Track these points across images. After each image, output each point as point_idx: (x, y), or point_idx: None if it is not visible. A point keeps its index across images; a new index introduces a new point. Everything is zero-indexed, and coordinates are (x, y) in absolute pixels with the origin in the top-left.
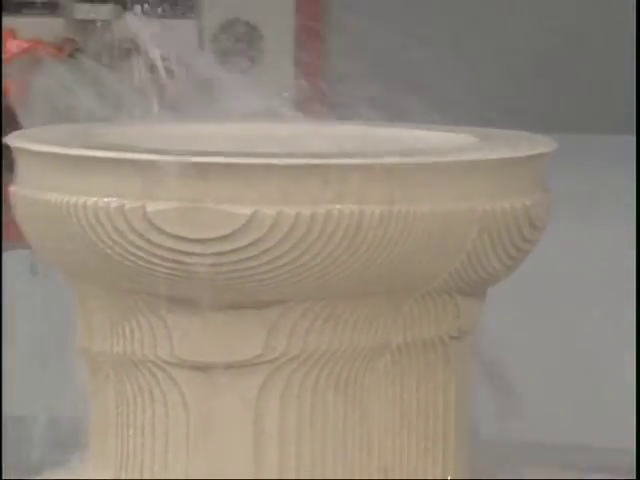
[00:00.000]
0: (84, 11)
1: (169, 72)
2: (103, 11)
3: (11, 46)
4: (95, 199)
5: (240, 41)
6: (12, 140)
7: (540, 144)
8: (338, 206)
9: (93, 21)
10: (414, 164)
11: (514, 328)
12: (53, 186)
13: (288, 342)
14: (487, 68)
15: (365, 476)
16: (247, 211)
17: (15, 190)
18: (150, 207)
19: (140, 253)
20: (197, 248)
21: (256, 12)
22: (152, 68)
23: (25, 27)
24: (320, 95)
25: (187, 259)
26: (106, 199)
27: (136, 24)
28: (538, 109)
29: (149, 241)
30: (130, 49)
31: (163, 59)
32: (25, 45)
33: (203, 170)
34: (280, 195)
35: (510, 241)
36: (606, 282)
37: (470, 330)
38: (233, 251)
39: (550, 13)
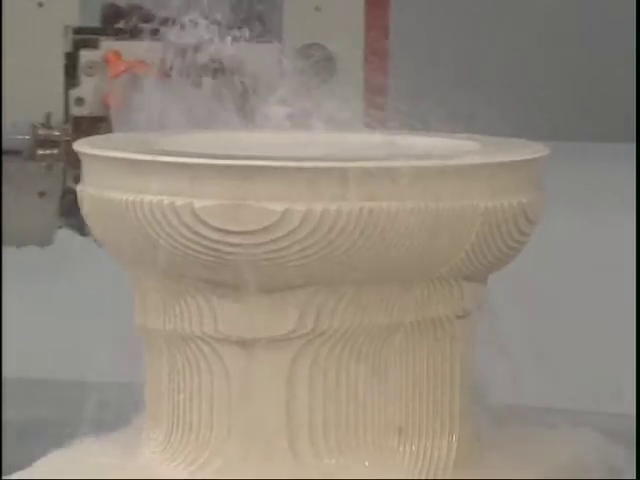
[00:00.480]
0: (179, 36)
1: (249, 90)
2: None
3: (116, 66)
4: (150, 197)
5: (315, 63)
6: (79, 146)
7: (534, 149)
8: (360, 204)
9: (187, 44)
10: (425, 167)
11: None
12: (114, 186)
13: (316, 320)
14: (497, 79)
15: (382, 434)
16: (280, 208)
17: (81, 189)
18: (197, 204)
19: (189, 243)
20: (237, 239)
21: (330, 36)
22: (236, 86)
23: (129, 50)
24: (384, 110)
25: (229, 249)
26: (159, 197)
27: (224, 48)
28: (543, 118)
29: (196, 233)
30: (218, 69)
31: (246, 78)
32: (127, 65)
33: (242, 172)
34: (309, 194)
35: (508, 234)
36: (606, 273)
37: (473, 310)
38: (268, 242)
39: (551, 23)
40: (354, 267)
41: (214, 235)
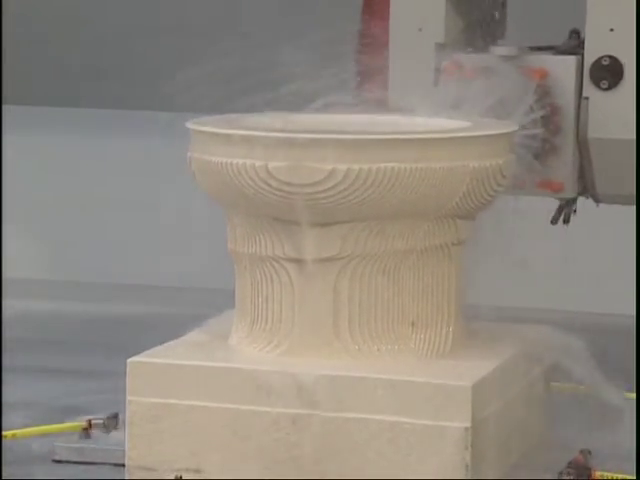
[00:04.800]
0: (498, 50)
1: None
2: (510, 50)
3: (451, 70)
4: (238, 160)
5: (607, 72)
6: (190, 124)
7: (507, 126)
8: (385, 165)
9: (503, 56)
10: (430, 138)
11: None
12: (213, 152)
13: (353, 246)
14: None
15: (397, 327)
16: (328, 167)
17: (190, 154)
18: (270, 165)
19: (264, 192)
20: (297, 189)
21: (619, 48)
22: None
23: (467, 60)
24: None
25: (292, 196)
26: (244, 160)
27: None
28: None
29: (269, 185)
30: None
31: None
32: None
33: (300, 142)
34: (349, 157)
35: (489, 185)
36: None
37: (464, 240)
38: (319, 192)
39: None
40: (380, 209)
41: (282, 186)
